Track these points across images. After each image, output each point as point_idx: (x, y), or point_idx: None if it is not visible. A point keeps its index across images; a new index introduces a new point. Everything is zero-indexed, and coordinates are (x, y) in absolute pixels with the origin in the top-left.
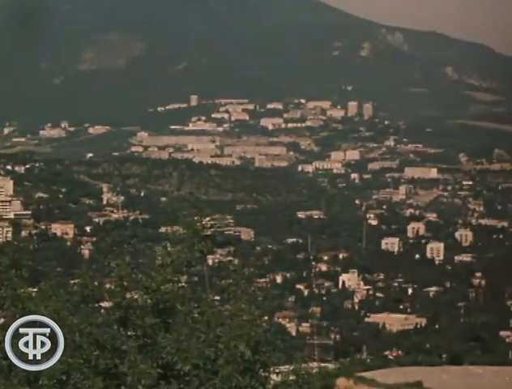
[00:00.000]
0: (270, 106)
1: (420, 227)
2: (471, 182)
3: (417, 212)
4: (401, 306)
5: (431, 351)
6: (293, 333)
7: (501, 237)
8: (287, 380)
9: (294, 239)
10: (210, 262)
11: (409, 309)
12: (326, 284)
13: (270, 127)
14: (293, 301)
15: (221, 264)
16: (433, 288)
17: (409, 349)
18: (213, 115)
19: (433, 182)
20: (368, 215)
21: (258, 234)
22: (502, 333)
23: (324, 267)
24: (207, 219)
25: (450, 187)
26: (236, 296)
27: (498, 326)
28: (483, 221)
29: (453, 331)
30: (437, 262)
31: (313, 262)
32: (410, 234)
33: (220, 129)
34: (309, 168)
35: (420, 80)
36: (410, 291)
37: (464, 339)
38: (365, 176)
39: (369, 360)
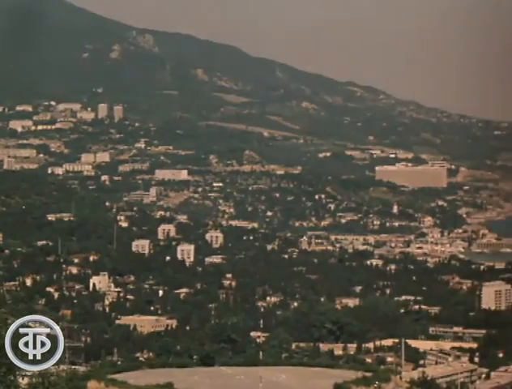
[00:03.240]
0: (19, 108)
1: (171, 229)
2: (221, 184)
3: (168, 214)
4: (152, 308)
5: (182, 352)
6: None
7: (251, 238)
8: (33, 382)
9: (44, 241)
10: None
11: (160, 311)
12: (77, 286)
13: (20, 129)
14: (43, 303)
15: None
16: (184, 290)
17: (160, 351)
18: None
19: (184, 184)
20: (118, 217)
21: (6, 237)
22: (253, 334)
23: (74, 270)
24: None
25: (200, 189)
26: None
27: (249, 327)
28: (233, 222)
29: (204, 332)
30: (187, 264)
31: (64, 265)
32: (161, 236)
33: None
34: (59, 171)
35: (171, 82)
36: (161, 292)
37: (215, 340)
38: (116, 178)
39: (120, 362)
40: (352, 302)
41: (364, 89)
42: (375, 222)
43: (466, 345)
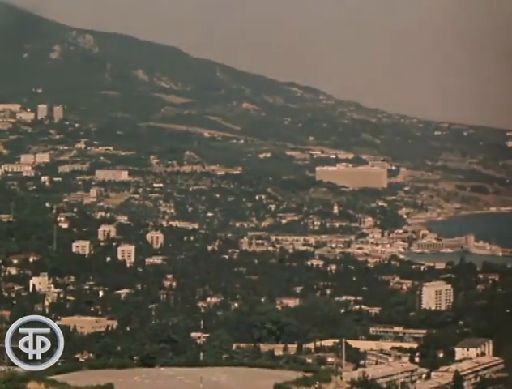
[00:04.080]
0: None
1: (111, 229)
2: (161, 185)
3: (108, 215)
4: (92, 309)
5: (122, 353)
6: None
7: (191, 238)
8: None
9: None
10: None
11: (100, 312)
12: (16, 287)
13: None
14: None
15: None
16: (125, 290)
17: (100, 352)
18: None
19: (124, 185)
20: (58, 218)
21: None
22: (194, 334)
23: (14, 271)
24: None
25: (140, 189)
26: None
27: (190, 327)
28: (174, 223)
29: (144, 332)
30: (128, 265)
31: (3, 266)
32: (101, 237)
33: None
34: None
35: (111, 82)
36: (101, 293)
37: (156, 340)
38: (56, 179)
39: (60, 363)
40: (292, 302)
41: (304, 90)
42: (315, 222)
43: (406, 345)
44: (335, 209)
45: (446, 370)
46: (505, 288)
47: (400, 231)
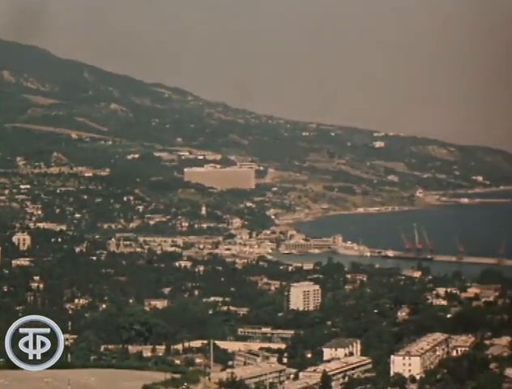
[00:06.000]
0: None
1: None
2: (28, 186)
3: None
4: None
5: None
6: None
7: (59, 240)
8: None
9: None
10: None
11: None
12: None
13: None
14: None
15: None
16: None
17: None
18: None
19: None
20: None
21: None
22: (65, 336)
23: None
24: None
25: (7, 191)
26: None
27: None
28: (41, 225)
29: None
30: None
31: None
32: None
33: None
34: None
35: None
36: None
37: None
38: None
39: None
40: (160, 304)
41: (172, 91)
42: (183, 223)
43: (274, 346)
44: (203, 210)
45: (314, 370)
46: (373, 288)
47: (268, 232)
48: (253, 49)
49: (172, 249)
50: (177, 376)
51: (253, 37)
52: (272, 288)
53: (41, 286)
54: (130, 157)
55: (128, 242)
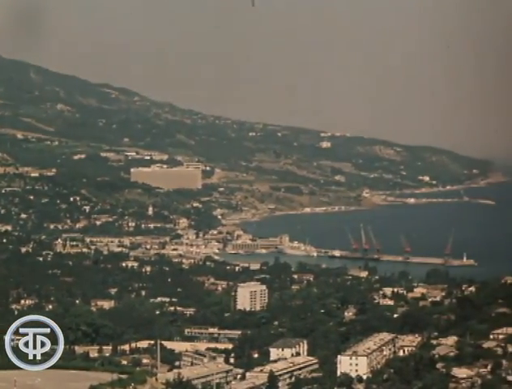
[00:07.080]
0: None
1: None
2: None
3: None
4: None
5: None
6: None
7: (4, 240)
8: None
9: None
10: None
11: None
12: None
13: None
14: None
15: None
16: None
17: None
18: None
19: None
20: None
21: None
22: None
23: None
24: None
25: None
26: None
27: (2, 330)
28: None
29: None
30: None
31: None
32: None
33: None
34: None
35: None
36: None
37: None
38: None
39: None
40: (107, 304)
41: (118, 91)
42: (130, 224)
43: (221, 346)
44: (150, 210)
45: (261, 371)
46: (320, 288)
47: (215, 232)
48: (199, 49)
49: (119, 249)
50: (124, 376)
51: (200, 37)
52: (219, 288)
53: None
54: (76, 157)
55: (74, 243)
